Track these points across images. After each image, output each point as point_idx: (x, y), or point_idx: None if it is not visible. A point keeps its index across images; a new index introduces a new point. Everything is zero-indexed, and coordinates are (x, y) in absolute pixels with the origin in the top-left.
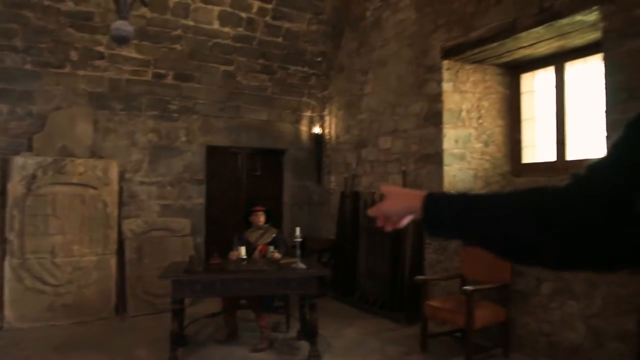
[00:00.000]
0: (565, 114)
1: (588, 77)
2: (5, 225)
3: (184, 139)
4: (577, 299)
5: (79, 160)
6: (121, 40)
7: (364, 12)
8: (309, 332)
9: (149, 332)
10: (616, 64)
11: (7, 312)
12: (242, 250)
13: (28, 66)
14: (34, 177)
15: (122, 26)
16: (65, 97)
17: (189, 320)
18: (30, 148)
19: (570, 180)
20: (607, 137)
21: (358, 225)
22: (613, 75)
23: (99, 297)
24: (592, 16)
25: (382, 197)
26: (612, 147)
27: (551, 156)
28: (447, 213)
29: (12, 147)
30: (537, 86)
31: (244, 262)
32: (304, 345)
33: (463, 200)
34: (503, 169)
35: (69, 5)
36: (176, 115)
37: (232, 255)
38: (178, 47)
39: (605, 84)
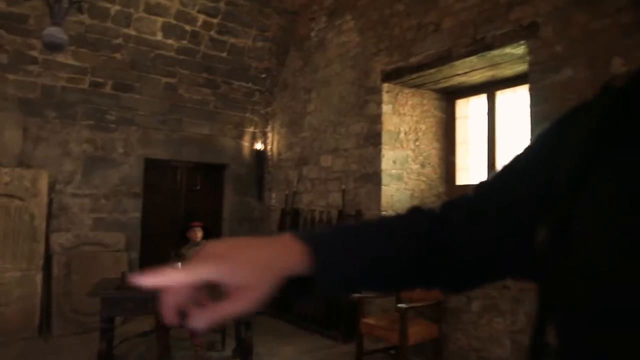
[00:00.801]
0: (496, 139)
1: (516, 105)
2: None
3: (121, 150)
4: (503, 316)
5: (5, 170)
6: (53, 47)
7: (309, 32)
8: (244, 351)
9: (75, 353)
10: (540, 95)
11: None
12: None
13: None
14: None
15: (56, 33)
16: None
17: (119, 339)
18: None
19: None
20: None
21: None
22: (537, 105)
23: (21, 316)
24: (520, 49)
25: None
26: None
27: (483, 178)
28: (340, 267)
29: None
30: (470, 112)
31: None
32: None
33: (351, 241)
34: (438, 190)
35: (1, 6)
36: (114, 125)
37: None
38: (118, 56)
39: (530, 113)
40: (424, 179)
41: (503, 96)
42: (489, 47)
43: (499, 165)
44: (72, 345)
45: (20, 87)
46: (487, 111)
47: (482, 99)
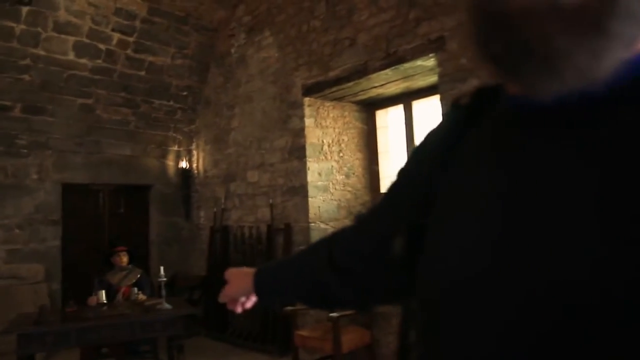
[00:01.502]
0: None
1: (431, 113)
2: None
3: (35, 176)
4: None
5: None
6: None
7: (229, 49)
8: None
9: None
10: (449, 103)
11: None
12: (102, 295)
13: None
14: None
15: None
16: None
17: None
18: None
19: (353, 221)
20: None
21: (229, 259)
22: None
23: None
24: (430, 62)
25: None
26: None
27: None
28: (269, 286)
29: None
30: (390, 122)
31: (104, 307)
32: None
33: (280, 270)
34: (364, 199)
35: None
36: (25, 151)
37: (91, 300)
38: (27, 77)
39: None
40: (349, 189)
41: (419, 105)
42: (401, 60)
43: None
44: None
45: None
46: (404, 120)
47: (399, 109)
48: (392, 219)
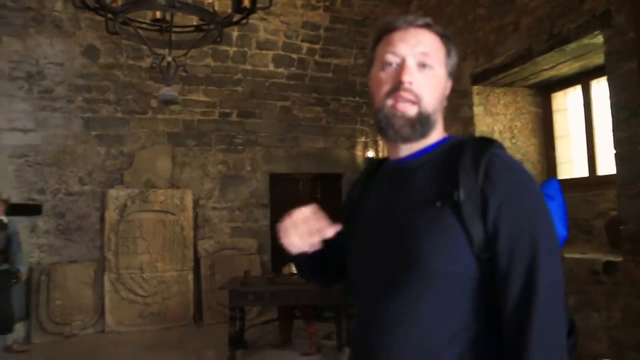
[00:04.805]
0: (594, 130)
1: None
2: (104, 246)
3: (249, 168)
4: (599, 311)
5: (160, 191)
6: (167, 102)
7: None
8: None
9: (219, 337)
10: (617, 84)
11: (108, 318)
12: (291, 266)
13: (119, 114)
14: (125, 206)
15: (167, 92)
16: (148, 138)
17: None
18: (122, 182)
19: None
20: (615, 155)
21: None
22: (616, 94)
23: (179, 307)
24: (597, 39)
25: None
26: None
27: (585, 172)
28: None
29: (109, 182)
30: (569, 104)
31: (294, 276)
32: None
33: None
34: None
35: (147, 62)
36: (241, 147)
37: (284, 270)
38: (239, 88)
39: (610, 103)
40: None
41: (599, 86)
42: (566, 41)
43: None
44: (217, 332)
45: (167, 123)
46: (582, 102)
47: (577, 90)
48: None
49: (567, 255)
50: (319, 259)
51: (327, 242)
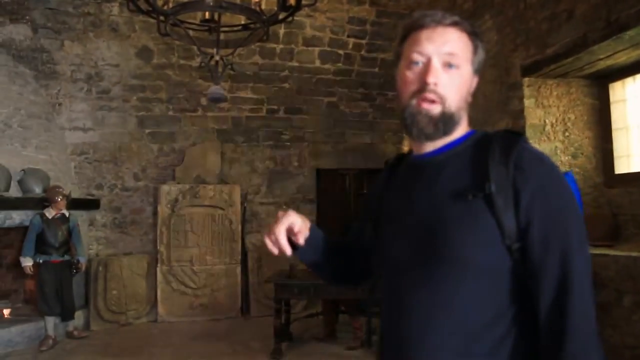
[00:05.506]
0: None
1: None
2: (157, 240)
3: (296, 164)
4: None
5: (210, 186)
6: (215, 101)
7: None
8: None
9: (265, 329)
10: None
11: (160, 308)
12: None
13: (171, 112)
14: (176, 200)
15: (215, 90)
16: (199, 135)
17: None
18: (173, 177)
19: None
20: None
21: None
22: None
23: (227, 300)
24: None
25: None
26: None
27: None
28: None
29: (161, 178)
30: (628, 95)
31: None
32: None
33: (319, 237)
34: (595, 181)
35: (197, 61)
36: (288, 143)
37: None
38: (287, 85)
39: None
40: (577, 170)
41: None
42: (624, 28)
43: None
44: (264, 324)
45: (216, 121)
46: None
47: (637, 81)
48: (365, 219)
49: (622, 254)
50: (330, 256)
51: (343, 241)
